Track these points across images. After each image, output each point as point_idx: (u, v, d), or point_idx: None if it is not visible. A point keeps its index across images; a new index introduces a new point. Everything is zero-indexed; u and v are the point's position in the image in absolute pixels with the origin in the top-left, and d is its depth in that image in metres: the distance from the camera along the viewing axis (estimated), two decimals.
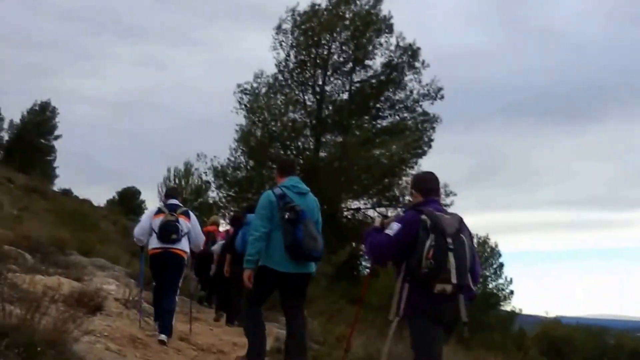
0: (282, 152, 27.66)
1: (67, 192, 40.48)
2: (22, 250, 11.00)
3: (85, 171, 70.63)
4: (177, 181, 31.47)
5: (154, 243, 7.65)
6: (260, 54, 79.95)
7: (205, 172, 28.87)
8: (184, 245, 7.72)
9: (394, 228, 4.56)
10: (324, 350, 8.52)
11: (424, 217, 4.47)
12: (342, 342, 8.32)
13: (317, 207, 6.07)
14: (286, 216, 5.67)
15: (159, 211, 7.84)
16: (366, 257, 19.79)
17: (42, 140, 48.20)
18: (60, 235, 12.80)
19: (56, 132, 48.61)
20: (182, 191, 30.18)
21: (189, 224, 7.86)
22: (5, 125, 47.59)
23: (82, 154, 69.43)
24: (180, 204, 8.13)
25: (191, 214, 8.09)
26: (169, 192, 8.86)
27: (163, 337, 7.27)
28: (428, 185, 4.89)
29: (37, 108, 47.94)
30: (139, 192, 62.18)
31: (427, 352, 4.48)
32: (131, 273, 12.96)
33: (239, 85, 29.76)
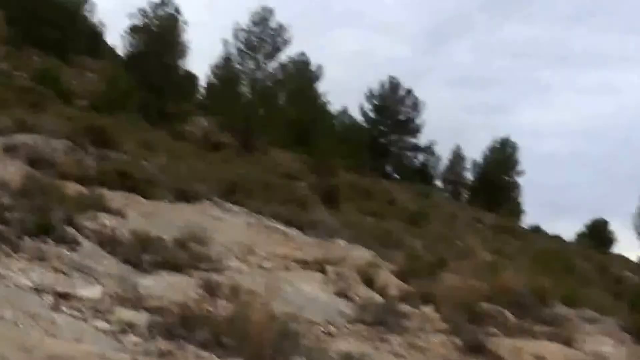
0: None
1: (536, 229, 39.15)
2: (501, 306, 9.62)
3: (551, 205, 68.76)
4: None
5: None
6: None
7: None
8: None
9: None
10: None
11: None
12: None
13: None
14: None
15: None
16: None
17: (506, 177, 48.02)
18: (539, 283, 11.10)
19: (518, 167, 47.92)
20: None
21: None
22: (469, 164, 48.87)
23: (547, 187, 67.87)
24: None
25: None
26: None
27: None
28: None
29: (497, 145, 48.08)
30: (607, 223, 57.72)
31: None
32: (625, 326, 10.54)
33: None
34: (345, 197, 24.70)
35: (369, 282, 9.15)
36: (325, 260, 9.23)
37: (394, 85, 44.03)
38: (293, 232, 10.63)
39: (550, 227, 42.31)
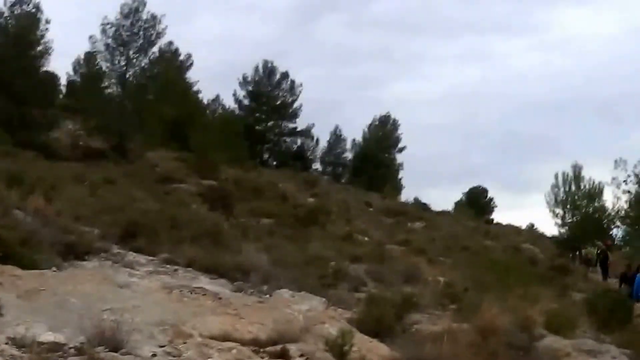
0: None
1: (424, 207, 38.39)
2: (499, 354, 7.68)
3: (427, 176, 69.45)
4: (566, 188, 27.03)
5: None
6: None
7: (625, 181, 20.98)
8: None
9: None
10: None
11: None
12: None
13: None
14: None
15: None
16: None
17: (386, 155, 47.26)
18: (521, 313, 9.26)
19: (399, 144, 47.31)
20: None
21: None
22: (348, 145, 47.64)
23: (423, 159, 68.19)
24: None
25: None
26: None
27: None
28: None
29: (377, 123, 47.11)
30: (486, 191, 58.72)
31: None
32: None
33: None
34: (235, 198, 22.24)
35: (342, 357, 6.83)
36: (281, 336, 6.79)
37: (268, 69, 41.72)
38: (224, 290, 8.09)
39: (425, 197, 41.73)
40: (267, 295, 8.25)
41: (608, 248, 23.97)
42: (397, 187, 46.60)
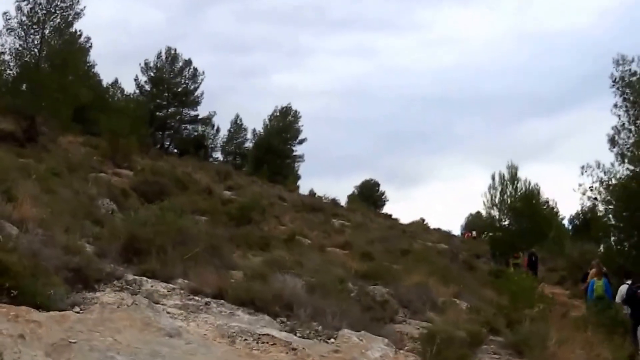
0: None
1: (334, 202, 37.45)
2: None
3: (318, 166, 68.90)
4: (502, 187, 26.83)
5: None
6: None
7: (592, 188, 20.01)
8: None
9: None
10: None
11: None
12: None
13: None
14: None
15: None
16: None
17: (288, 146, 46.13)
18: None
19: (300, 136, 46.26)
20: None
21: None
22: (249, 134, 46.07)
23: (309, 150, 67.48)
24: None
25: None
26: None
27: None
28: None
29: (277, 114, 45.79)
30: (378, 184, 58.94)
31: None
32: None
33: None
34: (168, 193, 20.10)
35: None
36: None
37: (171, 56, 39.64)
38: (290, 336, 6.45)
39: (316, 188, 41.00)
40: (332, 340, 6.73)
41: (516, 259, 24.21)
42: (296, 179, 45.62)
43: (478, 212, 67.11)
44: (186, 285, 7.38)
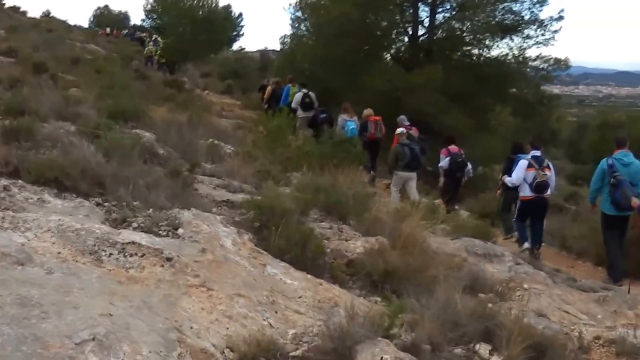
0: None
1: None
2: None
3: None
4: None
5: (526, 191, 9.95)
6: None
7: None
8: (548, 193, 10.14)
9: None
10: None
11: None
12: None
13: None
14: (611, 181, 9.02)
15: (530, 165, 9.91)
16: None
17: None
18: None
19: None
20: None
21: (551, 174, 10.08)
22: None
23: None
24: (542, 156, 10.05)
25: (551, 165, 10.26)
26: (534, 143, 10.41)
27: None
28: None
29: None
30: None
31: None
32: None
33: None
34: None
35: None
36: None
37: None
38: (151, 240, 4.36)
39: None
40: (181, 230, 4.92)
41: None
42: None
43: (107, 7, 62.75)
44: None
